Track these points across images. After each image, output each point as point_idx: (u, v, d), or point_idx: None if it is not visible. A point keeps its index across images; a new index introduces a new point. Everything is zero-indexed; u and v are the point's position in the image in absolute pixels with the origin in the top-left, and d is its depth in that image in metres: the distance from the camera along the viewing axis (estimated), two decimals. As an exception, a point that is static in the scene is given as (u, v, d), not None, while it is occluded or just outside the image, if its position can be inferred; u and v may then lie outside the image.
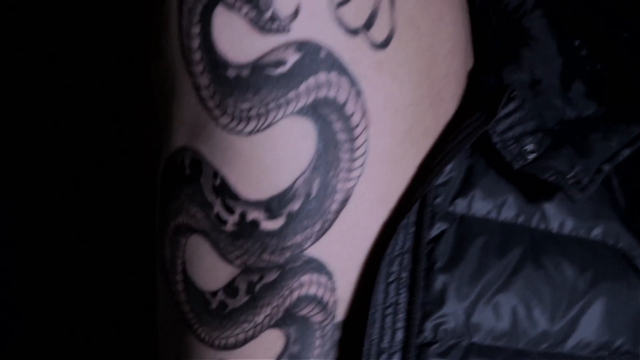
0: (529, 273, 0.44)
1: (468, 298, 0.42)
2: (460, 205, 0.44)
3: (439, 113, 0.44)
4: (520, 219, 0.46)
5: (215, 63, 0.39)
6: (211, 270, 0.42)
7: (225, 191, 0.40)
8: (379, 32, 0.40)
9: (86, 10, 0.64)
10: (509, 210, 0.45)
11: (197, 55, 0.39)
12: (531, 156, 0.44)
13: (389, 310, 0.42)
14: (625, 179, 0.49)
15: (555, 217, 0.46)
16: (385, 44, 0.40)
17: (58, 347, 0.65)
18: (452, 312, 0.42)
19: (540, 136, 0.46)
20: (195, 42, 0.39)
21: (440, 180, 0.43)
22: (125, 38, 0.63)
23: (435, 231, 0.43)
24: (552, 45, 0.50)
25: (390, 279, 0.42)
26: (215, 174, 0.40)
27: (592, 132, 0.47)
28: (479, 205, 0.45)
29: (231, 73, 0.38)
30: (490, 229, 0.44)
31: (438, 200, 0.43)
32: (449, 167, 0.44)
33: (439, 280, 0.42)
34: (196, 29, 0.39)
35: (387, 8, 0.40)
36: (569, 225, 0.47)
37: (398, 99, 0.41)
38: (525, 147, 0.45)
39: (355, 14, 0.39)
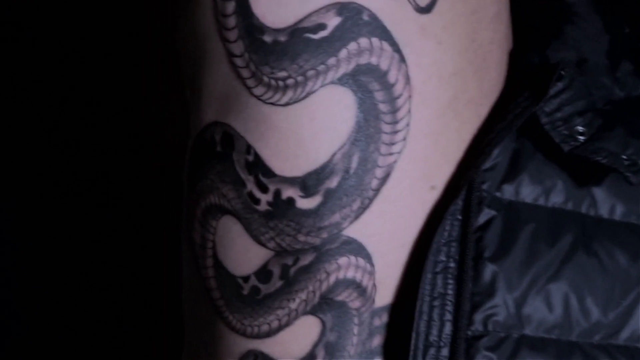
0: (581, 261, 0.41)
1: (519, 288, 0.40)
2: (508, 191, 0.42)
3: (484, 82, 0.42)
4: (570, 205, 0.43)
5: (252, 28, 0.36)
6: (243, 253, 0.39)
7: (258, 167, 0.38)
8: None
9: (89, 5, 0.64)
10: (558, 195, 0.43)
11: (231, 20, 0.37)
12: (582, 137, 0.42)
13: (437, 302, 0.39)
14: None
15: (605, 202, 0.44)
16: (429, 7, 0.38)
17: (58, 347, 0.64)
18: (503, 303, 0.39)
19: (590, 116, 0.43)
20: (230, 6, 0.37)
21: (487, 164, 0.41)
22: (127, 31, 0.63)
23: (483, 218, 0.40)
24: (597, 22, 0.48)
25: (437, 269, 0.40)
26: (249, 149, 0.38)
27: None
28: (527, 191, 0.42)
29: (268, 38, 0.36)
30: (539, 216, 0.42)
31: (485, 185, 0.41)
32: (495, 151, 0.41)
33: (488, 270, 0.40)
34: None
35: None
36: (619, 211, 0.44)
37: (442, 66, 0.39)
38: (576, 128, 0.42)
39: None
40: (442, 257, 0.40)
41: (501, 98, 0.44)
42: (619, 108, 0.45)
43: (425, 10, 0.38)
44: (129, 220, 0.64)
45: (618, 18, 0.50)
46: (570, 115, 0.43)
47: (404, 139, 0.38)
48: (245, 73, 0.37)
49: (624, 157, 0.42)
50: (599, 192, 0.43)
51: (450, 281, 0.40)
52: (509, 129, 0.41)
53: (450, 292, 0.40)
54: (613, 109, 0.45)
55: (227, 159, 0.39)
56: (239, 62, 0.37)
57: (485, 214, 0.41)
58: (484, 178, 0.41)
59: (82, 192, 0.65)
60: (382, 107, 0.38)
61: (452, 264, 0.40)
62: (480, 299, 0.39)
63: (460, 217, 0.40)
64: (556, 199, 0.43)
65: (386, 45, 0.37)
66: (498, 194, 0.42)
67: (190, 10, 0.39)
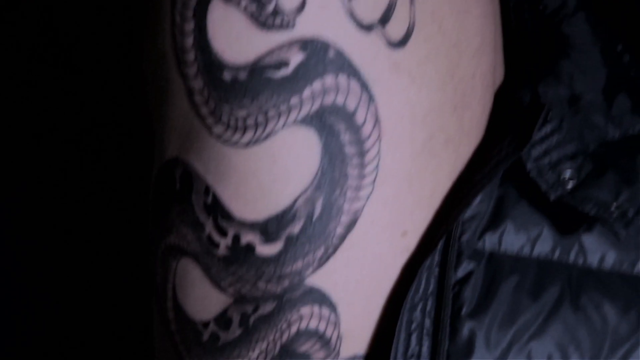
0: (567, 316, 0.39)
1: (499, 346, 0.38)
2: (490, 241, 0.39)
3: (464, 120, 0.39)
4: (557, 254, 0.41)
5: (210, 64, 0.34)
6: (202, 298, 0.37)
7: (217, 210, 0.36)
8: (396, 27, 0.35)
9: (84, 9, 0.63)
10: (544, 244, 0.40)
11: (190, 55, 0.35)
12: (570, 184, 0.40)
13: None
14: None
15: (595, 250, 0.41)
16: (403, 41, 0.36)
17: (58, 347, 0.64)
18: None
19: (580, 161, 0.41)
20: (189, 40, 0.35)
21: (468, 214, 0.39)
22: (123, 36, 0.62)
23: (461, 272, 0.38)
24: (595, 55, 0.45)
25: (412, 327, 0.38)
26: (207, 190, 0.36)
27: (638, 154, 0.42)
28: (511, 240, 0.40)
29: (227, 75, 0.34)
30: (524, 267, 0.40)
31: (465, 236, 0.39)
32: (477, 199, 0.39)
33: (466, 327, 0.37)
34: (190, 25, 0.34)
35: (405, 0, 0.36)
36: (610, 259, 0.41)
37: (417, 104, 0.37)
38: (564, 175, 0.40)
39: (369, 7, 0.35)
40: (417, 314, 0.38)
41: (488, 135, 0.42)
42: (614, 149, 0.43)
43: (399, 45, 0.36)
44: (130, 220, 0.63)
45: (617, 46, 0.47)
46: (559, 160, 0.40)
47: (373, 182, 0.36)
48: (204, 111, 0.35)
49: (614, 206, 0.39)
50: (588, 240, 0.41)
51: (426, 340, 0.38)
52: (491, 177, 0.38)
53: (425, 350, 0.37)
54: (606, 151, 0.42)
55: (186, 199, 0.37)
56: (198, 99, 0.35)
57: (464, 267, 0.39)
58: (464, 229, 0.38)
59: (83, 192, 0.65)
60: (349, 149, 0.36)
61: (427, 321, 0.38)
62: (458, 358, 0.37)
63: (437, 271, 0.38)
64: (542, 248, 0.40)
65: (354, 84, 0.35)
66: (479, 245, 0.39)
67: (154, 37, 0.37)
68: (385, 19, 0.35)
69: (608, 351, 0.39)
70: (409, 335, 0.37)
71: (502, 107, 0.43)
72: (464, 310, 0.37)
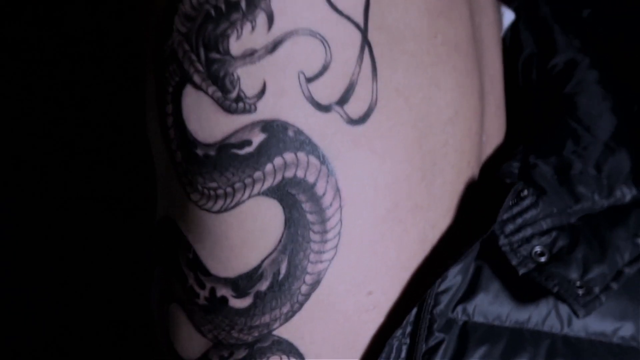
0: None
1: None
2: (464, 312, 0.41)
3: (434, 186, 0.41)
4: (531, 323, 0.42)
5: (186, 141, 0.38)
6: (188, 339, 0.42)
7: (197, 266, 0.40)
8: (356, 106, 0.38)
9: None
10: (519, 313, 0.42)
11: (171, 132, 0.39)
12: (542, 259, 0.41)
13: None
14: None
15: (570, 319, 0.42)
16: (363, 118, 0.38)
17: (58, 346, 0.65)
18: None
19: (554, 236, 0.42)
20: (170, 119, 0.39)
21: (442, 287, 0.41)
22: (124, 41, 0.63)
23: (432, 341, 0.40)
24: (600, 118, 0.45)
25: None
26: (189, 248, 0.40)
27: (620, 226, 0.42)
28: (484, 311, 0.42)
29: (200, 152, 0.38)
30: (496, 336, 0.41)
31: (438, 308, 0.41)
32: (453, 270, 0.41)
33: None
34: (169, 107, 0.39)
35: (367, 79, 0.38)
36: (589, 328, 0.42)
37: (380, 175, 0.39)
38: (535, 249, 0.41)
39: (327, 89, 0.37)
40: None
41: (472, 198, 0.43)
42: (595, 222, 0.43)
43: (359, 121, 0.38)
44: (130, 220, 0.63)
45: (634, 106, 0.47)
46: (532, 235, 0.41)
47: (335, 247, 0.39)
48: (184, 179, 0.39)
49: (579, 284, 0.40)
50: (564, 309, 0.42)
51: None
52: (460, 256, 0.40)
53: None
54: (586, 223, 0.43)
55: (173, 254, 0.41)
56: (178, 169, 0.39)
57: (435, 338, 0.40)
58: (438, 300, 0.40)
59: (83, 193, 0.65)
60: (311, 217, 0.39)
61: None
62: None
63: (408, 340, 0.40)
64: (517, 316, 0.42)
65: (313, 159, 0.38)
66: (452, 315, 0.41)
67: (149, 120, 0.42)
68: (344, 99, 0.38)
69: None
70: None
71: (495, 172, 0.44)
72: None
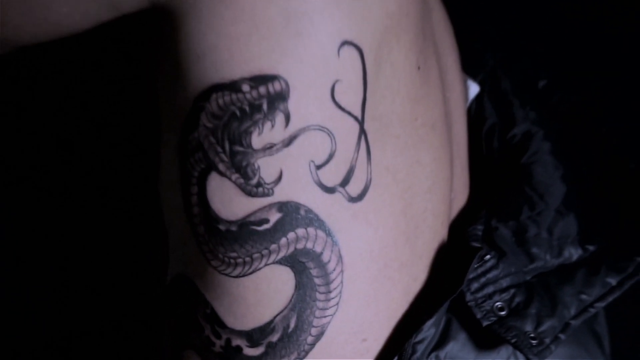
0: None
1: None
2: (436, 358, 0.48)
3: (417, 246, 0.48)
4: None
5: (210, 217, 0.44)
6: None
7: (214, 319, 0.46)
8: (355, 186, 0.45)
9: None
10: (483, 359, 0.48)
11: (195, 209, 0.45)
12: (502, 313, 0.48)
13: None
14: (616, 321, 0.51)
15: None
16: (361, 196, 0.45)
17: (58, 346, 0.66)
18: None
19: (512, 293, 0.49)
20: (194, 198, 0.44)
21: (419, 337, 0.47)
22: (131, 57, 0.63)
23: None
24: (552, 186, 0.52)
25: None
26: (207, 304, 0.46)
27: (567, 284, 0.49)
28: (454, 357, 0.48)
29: (222, 227, 0.44)
30: None
31: (415, 356, 0.47)
32: (428, 324, 0.47)
33: None
34: (195, 188, 0.44)
35: (363, 162, 0.45)
36: None
37: (373, 242, 0.46)
38: (496, 305, 0.48)
39: (332, 174, 0.44)
40: None
41: (444, 254, 0.50)
42: (547, 279, 0.50)
43: (357, 199, 0.45)
44: (130, 220, 0.65)
45: (582, 167, 0.54)
46: (494, 292, 0.48)
47: (337, 304, 0.46)
48: (205, 248, 0.45)
49: (532, 336, 0.46)
50: (522, 355, 0.49)
51: None
52: (432, 313, 0.47)
53: None
54: (540, 280, 0.50)
55: (191, 307, 0.47)
56: (200, 239, 0.45)
57: None
58: (415, 349, 0.47)
59: (83, 193, 0.66)
60: (317, 280, 0.45)
61: None
62: None
63: None
64: None
65: (320, 233, 0.44)
66: None
67: (168, 199, 0.46)
68: (346, 181, 0.44)
69: None
70: None
71: (461, 233, 0.51)
72: None
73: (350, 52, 0.42)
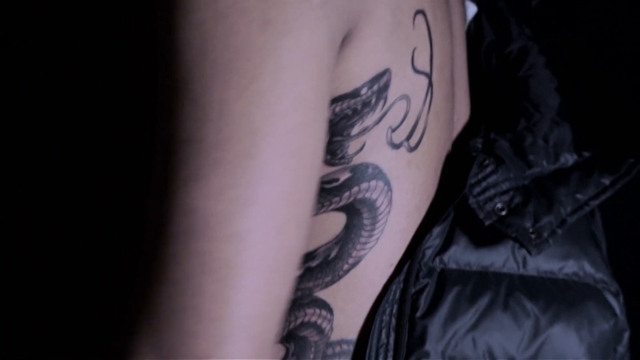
0: (497, 314, 0.51)
1: (444, 339, 0.50)
2: (440, 261, 0.52)
3: (439, 176, 0.52)
4: (493, 267, 0.53)
5: None
6: None
7: None
8: (415, 137, 0.48)
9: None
10: (484, 259, 0.53)
11: None
12: (502, 213, 0.52)
13: (382, 350, 0.50)
14: (609, 220, 0.55)
15: (528, 261, 0.54)
16: (417, 144, 0.48)
17: (58, 346, 0.66)
18: (431, 349, 0.50)
19: (511, 195, 0.52)
20: None
21: (427, 244, 0.51)
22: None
23: (418, 285, 0.51)
24: (547, 96, 0.56)
25: (383, 325, 0.50)
26: None
27: (562, 185, 0.53)
28: (456, 260, 0.52)
29: None
30: (466, 279, 0.52)
31: (424, 260, 0.51)
32: (436, 230, 0.51)
33: (420, 325, 0.50)
34: None
35: (425, 113, 0.48)
36: (540, 267, 0.54)
37: (416, 181, 0.49)
38: (497, 206, 0.52)
39: (402, 131, 0.47)
40: (386, 316, 0.50)
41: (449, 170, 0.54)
42: (543, 182, 0.54)
43: (414, 148, 0.48)
44: (130, 219, 0.63)
45: (572, 80, 0.57)
46: (494, 195, 0.52)
47: (377, 239, 0.49)
48: None
49: (531, 231, 0.51)
50: (522, 253, 0.53)
51: (392, 333, 0.50)
52: (445, 217, 0.50)
53: (391, 342, 0.50)
54: (536, 184, 0.54)
55: None
56: None
57: (421, 282, 0.51)
58: (424, 254, 0.51)
59: (83, 193, 0.65)
60: (366, 221, 0.48)
61: (393, 321, 0.50)
62: (413, 346, 0.50)
63: (402, 285, 0.50)
64: (482, 262, 0.53)
65: (380, 183, 0.47)
66: (433, 264, 0.52)
67: None
68: (410, 134, 0.48)
69: (531, 338, 0.52)
70: (380, 331, 0.50)
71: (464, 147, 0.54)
72: (418, 313, 0.50)
73: (419, 19, 0.45)
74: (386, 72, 0.44)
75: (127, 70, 0.62)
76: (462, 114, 0.57)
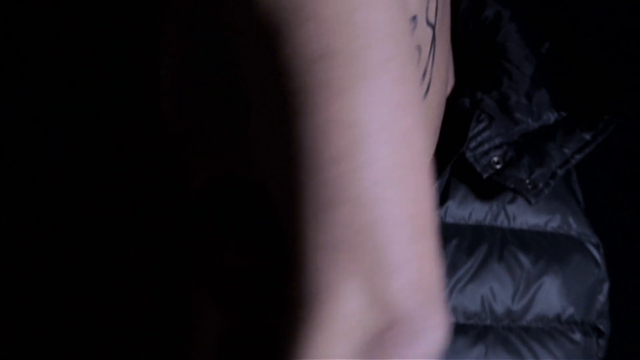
0: (493, 266, 0.54)
1: (445, 289, 0.52)
2: (437, 215, 0.53)
3: (438, 133, 0.53)
4: (487, 221, 0.55)
5: None
6: None
7: None
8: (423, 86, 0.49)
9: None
10: (478, 214, 0.55)
11: None
12: (498, 166, 0.54)
13: None
14: (585, 177, 0.58)
15: (516, 216, 0.56)
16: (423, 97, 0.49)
17: (58, 346, 0.65)
18: None
19: (505, 149, 0.55)
20: None
21: None
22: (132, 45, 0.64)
23: None
24: (523, 59, 0.58)
25: None
26: None
27: (550, 140, 0.56)
28: (453, 213, 0.54)
29: None
30: (462, 232, 0.54)
31: None
32: (437, 183, 0.53)
33: None
34: None
35: (430, 66, 0.49)
36: (528, 221, 0.57)
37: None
38: (493, 159, 0.54)
39: None
40: None
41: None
42: (531, 138, 0.56)
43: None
44: (130, 219, 0.65)
45: (544, 44, 0.60)
46: (489, 149, 0.54)
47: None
48: None
49: (528, 181, 0.53)
50: (511, 209, 0.56)
51: None
52: (445, 171, 0.52)
53: None
54: (526, 140, 0.56)
55: None
56: None
57: None
58: None
59: (83, 193, 0.65)
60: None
61: None
62: None
63: None
64: (476, 216, 0.55)
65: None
66: None
67: None
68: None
69: (524, 287, 0.55)
70: None
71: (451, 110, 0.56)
72: None
73: None
74: (414, 19, 0.45)
75: (127, 70, 0.62)
76: (450, 78, 0.58)
